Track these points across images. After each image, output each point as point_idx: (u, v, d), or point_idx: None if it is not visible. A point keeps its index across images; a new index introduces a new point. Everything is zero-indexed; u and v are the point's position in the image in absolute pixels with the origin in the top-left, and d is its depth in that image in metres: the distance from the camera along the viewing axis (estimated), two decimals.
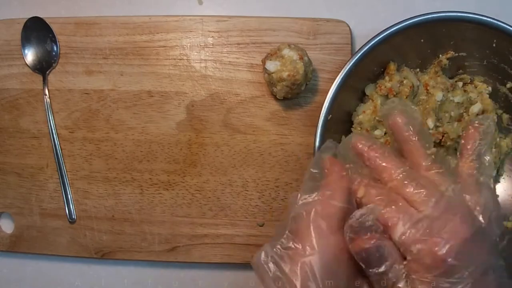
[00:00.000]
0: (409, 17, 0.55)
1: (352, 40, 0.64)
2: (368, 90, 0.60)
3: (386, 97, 0.58)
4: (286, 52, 0.59)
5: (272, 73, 0.59)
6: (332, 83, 0.55)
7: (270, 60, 0.59)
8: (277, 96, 0.61)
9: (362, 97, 0.60)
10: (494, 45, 0.56)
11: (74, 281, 0.65)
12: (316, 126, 0.55)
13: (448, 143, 0.58)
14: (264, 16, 0.64)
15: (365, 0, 0.67)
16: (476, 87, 0.61)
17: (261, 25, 0.64)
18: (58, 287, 0.65)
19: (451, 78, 0.61)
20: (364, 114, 0.59)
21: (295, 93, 0.61)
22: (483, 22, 0.55)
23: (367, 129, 0.59)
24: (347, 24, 0.64)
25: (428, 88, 0.59)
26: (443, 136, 0.58)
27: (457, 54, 0.59)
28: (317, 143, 0.55)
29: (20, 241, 0.64)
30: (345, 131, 0.60)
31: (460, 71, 0.61)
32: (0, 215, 0.65)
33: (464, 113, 0.59)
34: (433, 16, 0.55)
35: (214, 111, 0.63)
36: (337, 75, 0.55)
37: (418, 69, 0.61)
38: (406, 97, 0.58)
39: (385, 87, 0.58)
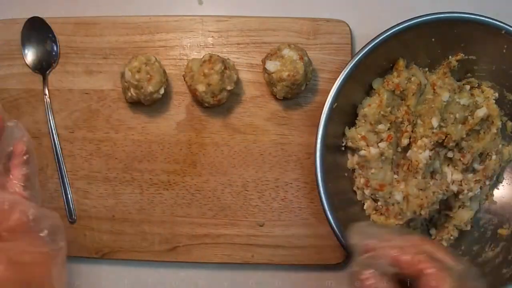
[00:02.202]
0: (409, 18, 0.55)
1: (352, 40, 0.64)
2: (376, 84, 0.59)
3: (393, 92, 0.58)
4: (286, 52, 0.59)
5: (272, 73, 0.59)
6: (333, 83, 0.56)
7: (270, 60, 0.59)
8: (277, 96, 0.61)
9: (369, 91, 0.60)
10: (504, 51, 0.56)
11: (74, 281, 0.65)
12: (321, 114, 0.55)
13: (450, 144, 0.58)
14: (264, 16, 0.64)
15: (365, 0, 0.67)
16: (483, 92, 0.60)
17: (261, 25, 0.64)
18: None
19: (459, 81, 0.61)
20: (369, 107, 0.58)
21: (295, 93, 0.61)
22: (494, 26, 0.54)
23: (371, 122, 0.58)
24: (347, 24, 0.64)
25: (435, 88, 0.59)
26: (446, 136, 0.58)
27: (466, 57, 0.59)
28: (320, 131, 0.55)
29: None
30: (349, 123, 0.60)
31: (469, 74, 0.61)
32: None
33: (469, 116, 0.59)
34: (445, 16, 0.55)
35: (214, 111, 0.63)
36: (343, 69, 0.55)
37: (426, 69, 0.61)
38: (413, 94, 0.58)
39: (393, 82, 0.58)
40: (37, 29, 0.64)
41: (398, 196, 0.58)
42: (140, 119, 0.64)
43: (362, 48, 0.55)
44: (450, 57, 0.59)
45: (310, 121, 0.63)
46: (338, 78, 0.55)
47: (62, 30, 0.65)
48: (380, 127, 0.59)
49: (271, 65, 0.59)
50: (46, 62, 0.64)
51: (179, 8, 0.67)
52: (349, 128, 0.60)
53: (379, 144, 0.58)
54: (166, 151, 0.64)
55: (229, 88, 0.59)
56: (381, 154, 0.58)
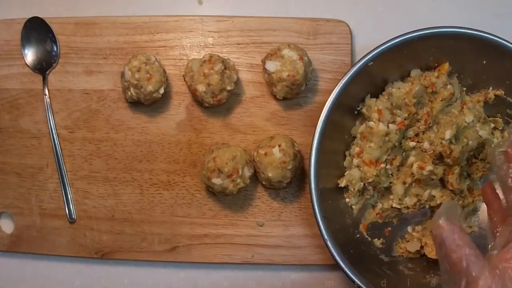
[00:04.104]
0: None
1: (352, 40, 0.64)
2: (413, 73, 0.59)
3: (425, 89, 0.58)
4: (286, 52, 0.59)
5: (272, 73, 0.59)
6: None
7: (270, 60, 0.59)
8: (277, 96, 0.61)
9: (405, 77, 0.60)
10: None
11: (74, 281, 0.65)
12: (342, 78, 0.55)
13: (448, 160, 0.58)
14: (264, 16, 0.64)
15: (365, 0, 0.67)
16: (502, 137, 0.60)
17: (261, 25, 0.64)
18: (58, 287, 0.65)
19: (488, 116, 0.61)
20: (398, 90, 0.58)
21: (295, 93, 0.61)
22: None
23: (392, 103, 0.58)
24: (347, 24, 0.64)
25: (464, 106, 0.59)
26: (450, 152, 0.57)
27: (505, 97, 0.59)
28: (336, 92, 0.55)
29: (20, 241, 0.64)
30: (372, 93, 0.59)
31: (498, 115, 0.60)
32: (0, 215, 0.65)
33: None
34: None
35: (214, 111, 0.63)
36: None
37: (465, 89, 0.60)
38: (442, 100, 0.58)
39: (430, 79, 0.58)
40: (37, 29, 0.64)
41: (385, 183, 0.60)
42: (140, 119, 0.64)
43: (423, 29, 0.55)
44: (491, 88, 0.59)
45: (310, 121, 0.63)
46: (376, 48, 0.55)
47: (62, 30, 0.65)
48: (398, 112, 0.58)
49: (271, 65, 0.59)
50: (46, 62, 0.64)
51: (179, 8, 0.67)
52: (371, 98, 0.60)
53: (390, 125, 0.58)
54: (166, 151, 0.64)
55: (229, 88, 0.59)
56: (387, 134, 0.58)
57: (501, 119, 0.60)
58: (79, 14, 0.66)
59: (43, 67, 0.64)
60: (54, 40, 0.64)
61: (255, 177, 0.61)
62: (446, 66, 0.58)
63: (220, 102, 0.60)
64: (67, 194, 0.64)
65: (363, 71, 0.55)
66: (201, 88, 0.58)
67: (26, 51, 0.65)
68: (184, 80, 0.61)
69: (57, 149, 0.64)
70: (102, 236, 0.63)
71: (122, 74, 0.60)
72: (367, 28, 0.65)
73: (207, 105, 0.60)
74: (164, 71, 0.60)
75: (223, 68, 0.58)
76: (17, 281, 0.66)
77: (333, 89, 0.55)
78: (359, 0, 0.66)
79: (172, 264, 0.64)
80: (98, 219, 0.64)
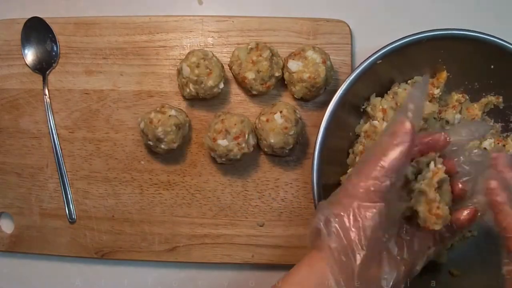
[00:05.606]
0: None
1: (352, 40, 0.64)
2: (419, 79, 0.59)
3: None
4: (310, 54, 0.59)
5: (293, 72, 0.59)
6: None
7: (293, 59, 0.59)
8: (295, 96, 0.61)
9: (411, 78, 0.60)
10: None
11: (74, 281, 0.65)
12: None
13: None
14: (264, 16, 0.64)
15: (365, 0, 0.67)
16: (505, 145, 0.60)
17: (261, 25, 0.64)
18: (58, 287, 0.65)
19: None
20: (404, 90, 0.58)
21: (313, 96, 0.61)
22: None
23: (397, 102, 0.58)
24: (347, 24, 0.64)
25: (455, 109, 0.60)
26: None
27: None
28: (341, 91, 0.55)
29: (20, 241, 0.64)
30: (378, 93, 0.59)
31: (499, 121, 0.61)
32: (0, 215, 0.65)
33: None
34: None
35: (214, 110, 0.63)
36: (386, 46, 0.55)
37: (468, 97, 0.60)
38: (452, 107, 0.58)
39: (430, 90, 0.58)
40: (37, 29, 0.64)
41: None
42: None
43: (423, 32, 0.55)
44: (490, 95, 0.59)
45: (310, 121, 0.63)
46: (378, 51, 0.55)
47: (62, 30, 0.65)
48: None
49: (293, 65, 0.59)
50: (46, 62, 0.64)
51: (179, 8, 0.67)
52: (376, 97, 0.60)
53: None
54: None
55: (277, 74, 0.60)
56: None
57: (498, 124, 0.61)
58: (79, 14, 0.66)
59: (43, 67, 0.64)
60: (54, 40, 0.64)
61: (258, 146, 0.61)
62: (444, 75, 0.58)
63: (269, 89, 0.60)
64: (67, 194, 0.64)
65: (370, 70, 0.55)
66: (250, 75, 0.59)
67: (26, 51, 0.65)
68: (230, 69, 0.61)
69: (57, 149, 0.64)
70: (102, 236, 0.63)
71: (179, 72, 0.60)
72: (367, 28, 0.65)
73: (255, 92, 0.61)
74: (222, 66, 0.60)
75: (271, 54, 0.59)
76: (17, 281, 0.66)
77: (338, 88, 0.55)
78: (359, 0, 0.67)
79: (172, 264, 0.64)
80: (98, 219, 0.64)
